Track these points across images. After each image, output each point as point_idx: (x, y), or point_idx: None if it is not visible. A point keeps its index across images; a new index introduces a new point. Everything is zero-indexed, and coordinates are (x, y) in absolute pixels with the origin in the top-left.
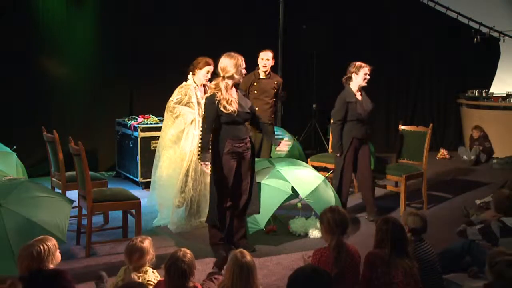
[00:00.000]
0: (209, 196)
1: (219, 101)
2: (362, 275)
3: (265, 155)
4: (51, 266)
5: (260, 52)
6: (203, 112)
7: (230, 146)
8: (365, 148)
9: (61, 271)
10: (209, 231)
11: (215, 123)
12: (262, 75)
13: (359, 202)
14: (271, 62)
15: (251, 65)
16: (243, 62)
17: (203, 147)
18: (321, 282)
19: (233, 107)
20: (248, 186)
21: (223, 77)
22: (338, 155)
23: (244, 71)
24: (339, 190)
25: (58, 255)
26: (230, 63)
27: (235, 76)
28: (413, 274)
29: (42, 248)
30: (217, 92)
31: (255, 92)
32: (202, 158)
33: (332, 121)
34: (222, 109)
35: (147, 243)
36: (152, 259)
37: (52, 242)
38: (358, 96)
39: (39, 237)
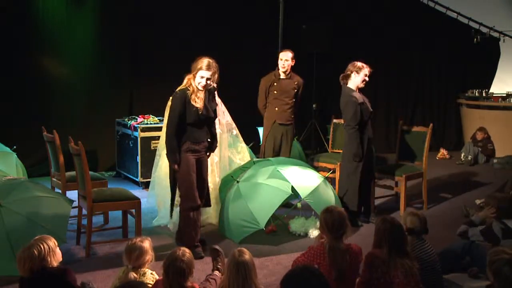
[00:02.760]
0: (171, 196)
1: (190, 95)
2: (362, 275)
3: (285, 155)
4: (54, 263)
5: (280, 52)
6: (169, 108)
7: (189, 145)
8: (371, 149)
9: (65, 269)
10: (185, 233)
11: (178, 124)
12: (282, 75)
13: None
14: (290, 63)
15: (251, 65)
16: (206, 73)
17: (172, 149)
18: (314, 281)
19: (198, 104)
20: (207, 183)
21: (193, 75)
22: (357, 161)
23: (202, 82)
24: (353, 197)
25: (58, 252)
26: (194, 65)
27: (196, 81)
28: (413, 274)
29: (42, 247)
30: (189, 87)
31: (275, 92)
32: (173, 160)
33: (350, 127)
34: (192, 102)
35: (146, 243)
36: (151, 260)
37: (51, 240)
38: (360, 97)
39: (37, 237)
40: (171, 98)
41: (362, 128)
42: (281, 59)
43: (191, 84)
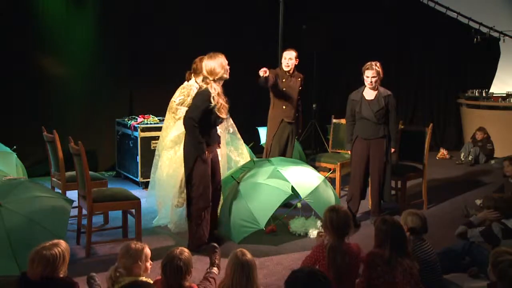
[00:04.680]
0: (188, 194)
1: (215, 106)
2: (362, 274)
3: (289, 154)
4: (62, 274)
5: (284, 51)
6: (192, 103)
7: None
8: (377, 149)
9: (72, 283)
10: (196, 232)
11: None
12: (287, 73)
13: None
14: (294, 61)
15: (251, 65)
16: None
17: (199, 139)
18: (319, 285)
19: (224, 115)
20: (220, 181)
21: (213, 80)
22: (349, 152)
23: (228, 69)
24: (350, 193)
25: (67, 262)
26: (216, 64)
27: (224, 76)
28: (413, 274)
29: (57, 254)
30: (214, 97)
31: (284, 89)
32: (202, 150)
33: None
34: (218, 113)
35: (140, 247)
36: (145, 270)
37: (65, 247)
38: (369, 95)
39: (54, 242)
40: (170, 105)
41: (357, 124)
42: (285, 58)
43: (213, 88)
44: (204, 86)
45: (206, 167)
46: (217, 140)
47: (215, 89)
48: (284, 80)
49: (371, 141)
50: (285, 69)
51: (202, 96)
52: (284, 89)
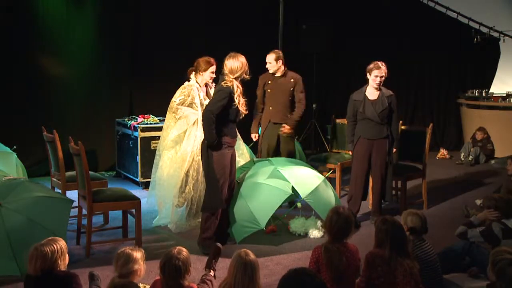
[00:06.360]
0: (206, 187)
1: (237, 97)
2: (362, 275)
3: (285, 153)
4: (62, 267)
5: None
6: (213, 98)
7: (228, 139)
8: (379, 149)
9: (73, 275)
10: (205, 223)
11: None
12: (278, 74)
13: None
14: (275, 64)
15: (251, 65)
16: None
17: (212, 132)
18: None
19: (241, 106)
20: (235, 179)
21: (235, 79)
22: (350, 153)
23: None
24: (351, 193)
25: (67, 257)
26: (238, 64)
27: (244, 76)
28: (413, 274)
29: (55, 248)
30: (235, 94)
31: (269, 90)
32: (214, 138)
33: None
34: (238, 105)
35: (136, 253)
36: (142, 272)
37: (63, 243)
38: (372, 95)
39: (51, 238)
40: (170, 105)
41: (359, 124)
42: (266, 62)
43: (233, 85)
44: (228, 83)
45: (226, 162)
46: (236, 136)
47: (238, 87)
48: (269, 82)
49: (374, 142)
50: (270, 71)
51: (224, 93)
52: (268, 90)
